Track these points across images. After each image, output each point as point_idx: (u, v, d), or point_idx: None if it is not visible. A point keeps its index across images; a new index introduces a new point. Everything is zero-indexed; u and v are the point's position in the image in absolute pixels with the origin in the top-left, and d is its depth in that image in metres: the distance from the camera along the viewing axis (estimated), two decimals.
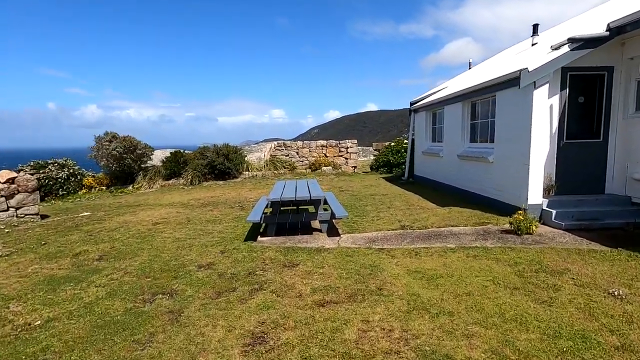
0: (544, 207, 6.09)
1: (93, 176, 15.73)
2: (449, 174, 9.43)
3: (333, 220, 6.26)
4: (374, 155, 17.17)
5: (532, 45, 9.27)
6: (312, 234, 6.03)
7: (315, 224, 6.39)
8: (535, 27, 9.46)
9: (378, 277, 4.04)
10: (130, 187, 15.18)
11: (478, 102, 8.29)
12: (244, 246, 5.43)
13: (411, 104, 13.08)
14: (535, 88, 5.92)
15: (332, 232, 6.03)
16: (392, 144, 15.70)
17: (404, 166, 14.65)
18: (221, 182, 14.46)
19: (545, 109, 6.05)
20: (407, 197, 8.98)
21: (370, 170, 16.02)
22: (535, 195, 6.11)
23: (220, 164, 14.63)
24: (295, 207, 7.19)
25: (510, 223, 5.54)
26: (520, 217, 5.38)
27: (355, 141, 16.56)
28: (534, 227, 5.37)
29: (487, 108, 7.87)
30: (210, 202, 9.84)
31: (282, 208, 6.74)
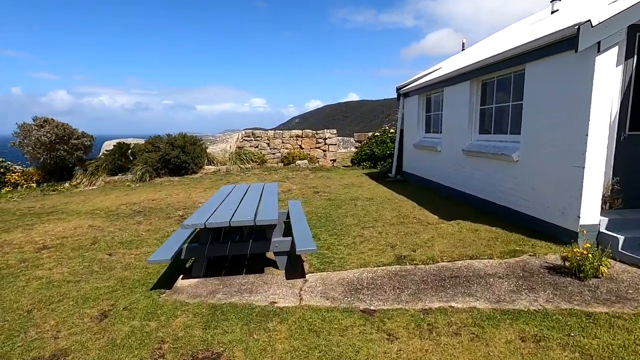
0: (603, 229, 4.20)
1: (22, 171, 13.14)
2: (450, 173, 7.47)
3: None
4: (356, 148, 15.17)
5: (552, 12, 7.35)
6: (263, 272, 3.94)
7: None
8: None
9: None
10: (67, 184, 12.71)
11: (493, 81, 6.31)
12: (145, 302, 3.30)
13: (398, 88, 11.03)
14: (598, 52, 3.95)
15: (294, 268, 3.97)
16: (377, 134, 13.69)
17: (390, 160, 12.69)
18: (176, 179, 12.16)
19: (607, 85, 4.11)
20: (398, 204, 6.99)
21: (351, 165, 14.00)
22: (591, 211, 4.19)
23: (175, 157, 12.30)
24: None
25: (565, 259, 3.60)
26: (584, 251, 3.44)
27: (335, 131, 14.47)
28: (604, 268, 3.45)
29: (507, 88, 5.90)
30: (146, 208, 7.59)
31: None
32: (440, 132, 8.16)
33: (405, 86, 10.15)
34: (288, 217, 4.95)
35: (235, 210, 3.80)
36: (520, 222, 5.14)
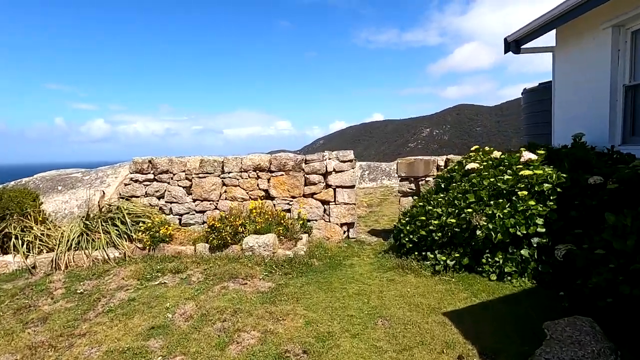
0: None
1: None
2: None
3: None
4: (403, 193, 6.25)
5: None
6: None
7: None
8: None
9: None
10: None
11: None
12: None
13: None
14: None
15: None
16: (476, 165, 4.75)
17: (535, 253, 3.79)
18: None
19: None
20: None
21: (394, 242, 5.13)
22: None
23: None
24: None
25: None
26: None
27: (350, 154, 5.82)
28: None
29: None
30: None
31: None
32: None
33: None
34: None
35: None
36: None
